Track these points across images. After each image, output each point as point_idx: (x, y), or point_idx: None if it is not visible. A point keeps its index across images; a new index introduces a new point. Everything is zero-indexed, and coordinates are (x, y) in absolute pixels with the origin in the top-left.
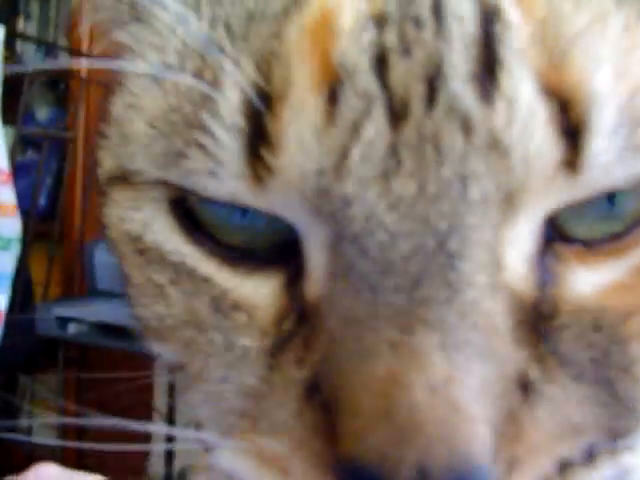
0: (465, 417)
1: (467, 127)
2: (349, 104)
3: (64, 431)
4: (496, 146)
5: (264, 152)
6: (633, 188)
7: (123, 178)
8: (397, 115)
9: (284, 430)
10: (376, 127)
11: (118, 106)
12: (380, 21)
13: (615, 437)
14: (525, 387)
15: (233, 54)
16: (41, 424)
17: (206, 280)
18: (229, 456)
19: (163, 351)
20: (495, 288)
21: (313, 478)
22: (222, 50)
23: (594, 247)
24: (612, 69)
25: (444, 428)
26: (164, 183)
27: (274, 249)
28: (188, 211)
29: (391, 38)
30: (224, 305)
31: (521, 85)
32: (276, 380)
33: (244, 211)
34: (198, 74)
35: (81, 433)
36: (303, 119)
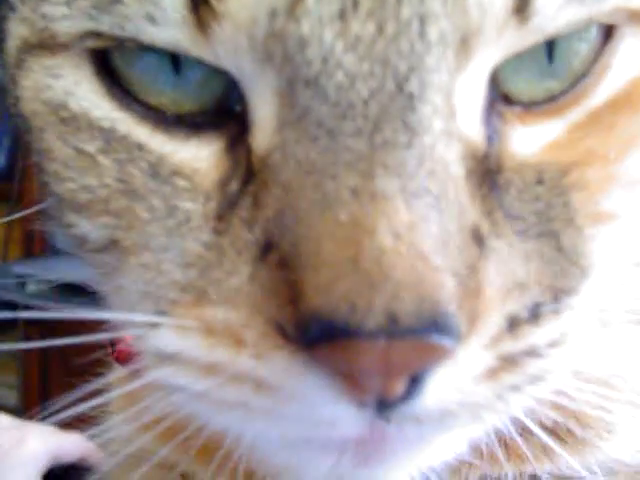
0: (431, 265)
1: None
2: None
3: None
4: None
5: None
6: (571, 37)
7: (40, 45)
8: None
9: (237, 298)
10: None
11: None
12: None
13: (558, 296)
14: (479, 241)
15: None
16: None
17: (140, 146)
18: (169, 336)
19: (92, 228)
20: (450, 135)
21: (273, 341)
22: None
23: (533, 109)
24: None
25: (412, 274)
26: (93, 35)
27: (210, 111)
28: (114, 74)
29: None
30: (162, 171)
31: None
32: (225, 245)
33: (176, 69)
34: None
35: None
36: None
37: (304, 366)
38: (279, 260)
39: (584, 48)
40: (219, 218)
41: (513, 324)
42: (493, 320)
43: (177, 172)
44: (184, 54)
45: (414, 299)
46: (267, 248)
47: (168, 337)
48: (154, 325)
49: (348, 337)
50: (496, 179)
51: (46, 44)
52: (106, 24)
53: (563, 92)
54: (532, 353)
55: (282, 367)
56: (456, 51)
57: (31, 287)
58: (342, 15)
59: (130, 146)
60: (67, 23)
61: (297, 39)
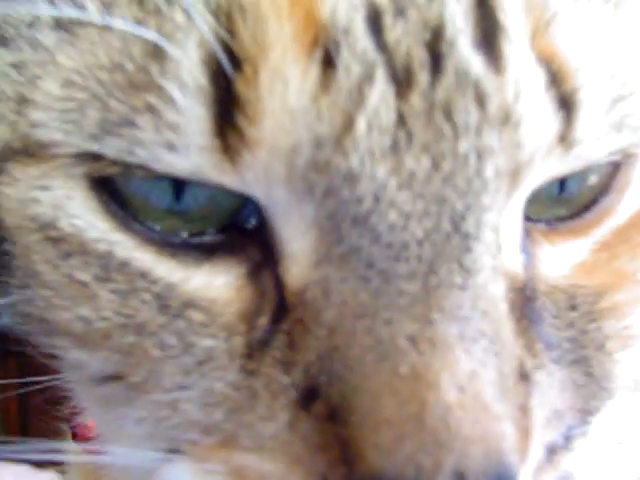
0: (494, 415)
1: (480, 99)
2: (348, 68)
3: None
4: (508, 119)
5: (239, 120)
6: (587, 171)
7: (25, 152)
8: (401, 81)
9: (274, 445)
10: (380, 93)
11: (5, 60)
12: None
13: (585, 417)
14: (526, 378)
15: (182, 0)
16: None
17: (144, 274)
18: (187, 475)
19: (90, 359)
20: (497, 270)
21: None
22: None
23: (555, 227)
24: (595, 43)
25: (478, 428)
26: (92, 157)
27: (224, 233)
28: (110, 188)
29: None
30: (172, 303)
31: (522, 53)
32: (257, 386)
33: (181, 190)
34: (138, 23)
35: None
36: (291, 85)
37: None
38: (326, 411)
39: (593, 180)
40: (248, 356)
41: (551, 452)
42: (537, 452)
43: (190, 304)
44: (203, 182)
45: (481, 455)
46: (310, 395)
47: (186, 476)
48: (163, 461)
49: None
50: (533, 308)
51: (33, 152)
52: (112, 148)
53: (576, 214)
54: (566, 478)
55: None
56: (508, 185)
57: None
58: (395, 148)
59: (132, 274)
60: (61, 137)
61: (344, 173)
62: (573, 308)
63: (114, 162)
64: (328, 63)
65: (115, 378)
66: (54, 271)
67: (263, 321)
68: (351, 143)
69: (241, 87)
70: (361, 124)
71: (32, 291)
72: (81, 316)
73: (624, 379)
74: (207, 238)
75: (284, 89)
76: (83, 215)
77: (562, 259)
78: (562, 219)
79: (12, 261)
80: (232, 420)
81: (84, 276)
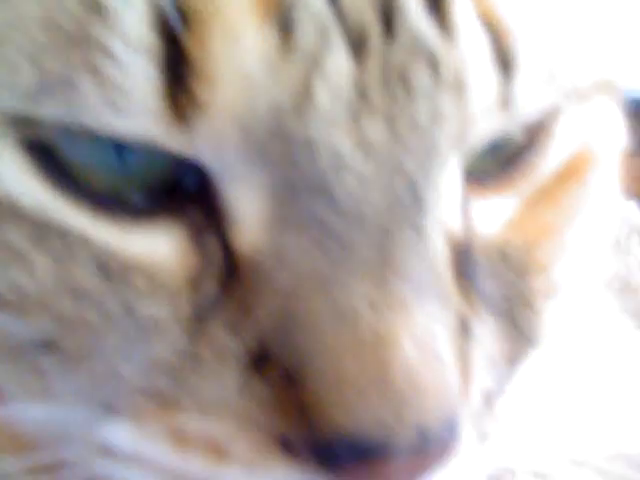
0: (448, 368)
1: (433, 63)
2: (306, 33)
3: None
4: (458, 83)
5: (190, 82)
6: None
7: None
8: (357, 46)
9: (223, 410)
10: (338, 60)
11: None
12: None
13: (516, 366)
14: (466, 328)
15: None
16: None
17: (81, 239)
18: (125, 434)
19: (17, 326)
20: (442, 230)
21: (272, 453)
22: None
23: (484, 182)
24: (532, 5)
25: (436, 382)
26: (26, 120)
27: (166, 198)
28: (47, 153)
29: None
30: (112, 268)
31: (469, 17)
32: (203, 352)
33: (121, 152)
34: None
35: None
36: (248, 48)
37: None
38: (280, 374)
39: (519, 136)
40: (194, 321)
41: (487, 398)
42: (476, 400)
43: (132, 269)
44: (148, 145)
45: (439, 407)
46: (262, 359)
47: (123, 436)
48: (100, 420)
49: (379, 456)
50: (469, 264)
51: None
52: (49, 110)
53: (504, 169)
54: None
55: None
56: (456, 147)
57: None
58: (353, 115)
59: (68, 239)
60: None
61: (302, 140)
62: (504, 263)
63: (51, 125)
64: (286, 27)
65: (48, 346)
66: None
67: (210, 286)
68: (309, 110)
69: (192, 46)
70: (319, 90)
71: None
72: (12, 281)
73: (550, 332)
74: (147, 203)
75: (239, 51)
76: (16, 177)
77: (493, 216)
78: (490, 175)
79: None
80: (176, 386)
81: (15, 238)
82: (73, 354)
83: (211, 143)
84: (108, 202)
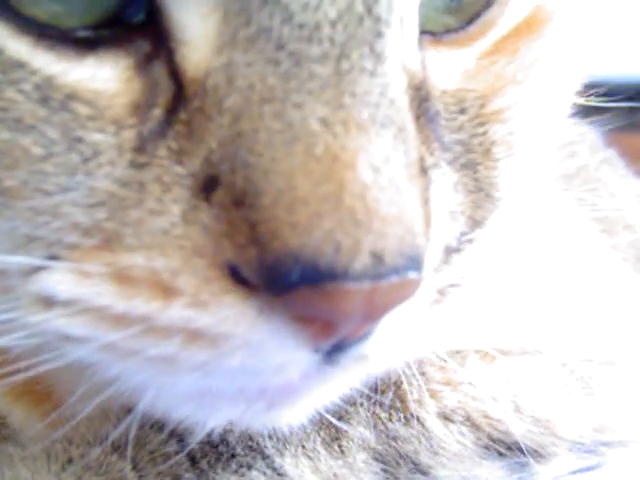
0: (407, 198)
1: None
2: None
3: None
4: None
5: None
6: None
7: None
8: None
9: (165, 241)
10: None
11: None
12: None
13: (475, 227)
14: (425, 172)
15: None
16: None
17: (20, 65)
18: (64, 280)
19: None
20: (401, 64)
21: (219, 286)
22: None
23: (442, 38)
24: None
25: (394, 209)
26: None
27: (109, 27)
28: None
29: None
30: (54, 95)
31: None
32: (147, 180)
33: None
34: None
35: None
36: None
37: (259, 312)
38: (230, 197)
39: None
40: (139, 149)
41: (447, 253)
42: (437, 249)
43: (74, 96)
44: None
45: (397, 235)
46: (209, 184)
47: (62, 282)
48: (38, 268)
49: (332, 281)
50: (428, 108)
51: None
52: None
53: (464, 25)
54: (456, 284)
55: (231, 314)
56: None
57: None
58: None
59: (6, 64)
60: None
61: None
62: (462, 112)
63: None
64: None
65: None
66: None
67: (157, 112)
68: None
69: None
70: None
71: None
72: None
73: (508, 191)
74: (89, 32)
75: None
76: None
77: (449, 67)
78: (448, 31)
79: None
80: (116, 218)
81: None
82: (12, 192)
83: None
84: (51, 32)
